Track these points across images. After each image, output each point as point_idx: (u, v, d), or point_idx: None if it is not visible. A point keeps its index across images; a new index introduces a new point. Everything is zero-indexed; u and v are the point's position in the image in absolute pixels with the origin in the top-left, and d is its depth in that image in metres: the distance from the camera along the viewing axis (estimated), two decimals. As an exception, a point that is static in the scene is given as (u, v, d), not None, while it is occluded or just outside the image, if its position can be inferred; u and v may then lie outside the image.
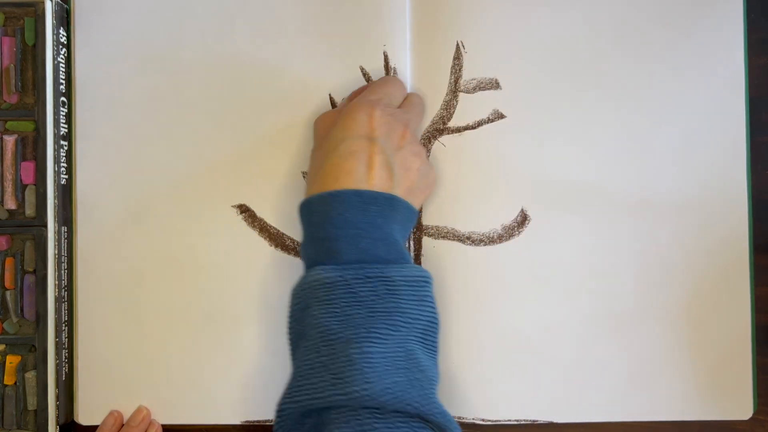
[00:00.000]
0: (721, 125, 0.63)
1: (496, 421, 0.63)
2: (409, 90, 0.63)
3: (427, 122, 0.63)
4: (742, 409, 0.63)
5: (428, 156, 0.63)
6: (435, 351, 0.55)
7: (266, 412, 0.63)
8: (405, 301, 0.52)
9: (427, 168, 0.59)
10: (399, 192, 0.55)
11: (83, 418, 0.64)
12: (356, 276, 0.52)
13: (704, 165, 0.63)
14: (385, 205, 0.54)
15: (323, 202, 0.54)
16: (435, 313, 0.55)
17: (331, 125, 0.58)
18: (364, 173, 0.54)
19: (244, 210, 0.63)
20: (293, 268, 0.63)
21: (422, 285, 0.54)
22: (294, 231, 0.63)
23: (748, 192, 0.63)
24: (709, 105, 0.63)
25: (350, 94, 0.63)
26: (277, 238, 0.63)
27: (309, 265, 0.55)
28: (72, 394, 0.64)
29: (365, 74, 0.63)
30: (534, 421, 0.63)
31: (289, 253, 0.63)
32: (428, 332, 0.54)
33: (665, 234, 0.63)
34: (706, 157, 0.63)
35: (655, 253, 0.63)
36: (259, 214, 0.63)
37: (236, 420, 0.64)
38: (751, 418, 0.63)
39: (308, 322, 0.53)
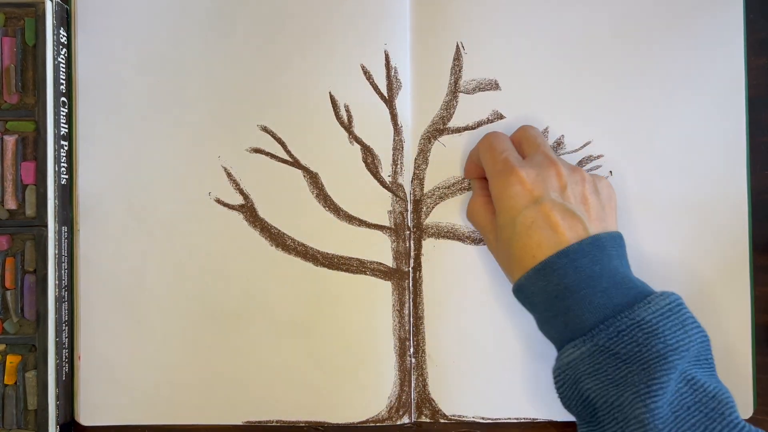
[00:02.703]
0: (720, 125, 0.63)
1: (495, 419, 0.63)
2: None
3: (427, 122, 0.63)
4: (742, 408, 0.63)
5: (422, 159, 0.63)
6: (713, 366, 0.53)
7: (267, 413, 0.63)
8: (671, 336, 0.50)
9: (598, 184, 0.57)
10: (593, 227, 0.54)
11: (83, 418, 0.64)
12: (609, 336, 0.50)
13: (704, 165, 0.63)
14: (592, 250, 0.52)
15: (535, 280, 0.53)
16: (702, 330, 0.52)
17: (487, 212, 0.57)
18: (553, 235, 0.52)
19: (245, 210, 0.63)
20: (294, 267, 0.63)
21: (678, 309, 0.51)
22: (294, 231, 0.63)
23: (747, 192, 0.63)
24: (709, 105, 0.63)
25: (464, 170, 0.63)
26: (277, 238, 0.63)
27: (558, 345, 0.54)
28: (72, 394, 0.64)
29: (366, 72, 0.63)
30: (533, 419, 0.63)
31: (289, 253, 0.63)
32: (702, 352, 0.52)
33: (664, 233, 0.63)
34: (705, 157, 0.63)
35: (654, 253, 0.63)
36: (261, 213, 0.63)
37: (237, 420, 0.63)
38: (750, 418, 0.63)
39: (587, 395, 0.51)
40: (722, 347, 0.63)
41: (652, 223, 0.63)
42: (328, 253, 0.63)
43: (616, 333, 0.50)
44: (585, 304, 0.51)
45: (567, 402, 0.53)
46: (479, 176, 0.61)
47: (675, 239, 0.63)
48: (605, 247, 0.53)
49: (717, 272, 0.63)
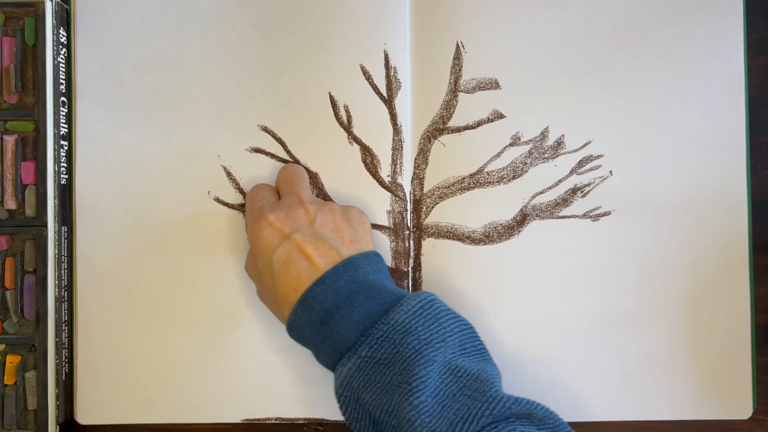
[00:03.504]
0: (721, 125, 0.63)
1: (496, 420, 0.63)
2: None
3: (427, 122, 0.63)
4: (742, 408, 0.63)
5: (422, 159, 0.64)
6: (483, 352, 0.54)
7: (266, 411, 0.63)
8: (424, 331, 0.51)
9: (348, 212, 0.59)
10: (348, 251, 0.55)
11: (83, 417, 0.64)
12: (369, 346, 0.52)
13: (704, 165, 0.63)
14: (347, 272, 0.54)
15: (300, 313, 0.54)
16: (460, 320, 0.54)
17: (254, 264, 0.58)
18: (308, 266, 0.54)
19: (245, 209, 0.63)
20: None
21: (430, 306, 0.53)
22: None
23: (747, 192, 0.63)
24: (709, 105, 0.63)
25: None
26: (277, 238, 0.63)
27: (333, 369, 0.55)
28: (72, 394, 0.64)
29: (365, 72, 0.63)
30: (534, 420, 0.63)
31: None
32: (465, 341, 0.53)
33: (665, 234, 0.63)
34: (706, 157, 0.63)
35: (654, 253, 0.63)
36: (260, 213, 0.63)
37: (236, 419, 0.64)
38: (750, 418, 0.63)
39: (369, 410, 0.52)
40: (722, 347, 0.63)
41: (652, 222, 0.63)
42: (328, 253, 0.63)
43: (376, 341, 0.52)
44: (345, 321, 0.52)
45: (356, 425, 0.54)
46: None
47: (675, 239, 0.63)
48: (359, 266, 0.54)
49: (717, 272, 0.63)
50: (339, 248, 0.55)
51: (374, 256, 0.56)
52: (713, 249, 0.63)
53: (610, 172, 0.63)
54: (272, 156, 0.64)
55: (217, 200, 0.63)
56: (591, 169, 0.63)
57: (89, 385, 0.64)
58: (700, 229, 0.63)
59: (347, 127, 0.63)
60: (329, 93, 0.63)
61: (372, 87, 0.63)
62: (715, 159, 0.63)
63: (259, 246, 0.56)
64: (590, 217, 0.63)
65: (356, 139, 0.63)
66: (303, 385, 0.63)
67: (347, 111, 0.63)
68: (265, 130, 0.64)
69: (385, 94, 0.63)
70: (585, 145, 0.63)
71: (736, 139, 0.63)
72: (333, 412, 0.64)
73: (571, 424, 0.62)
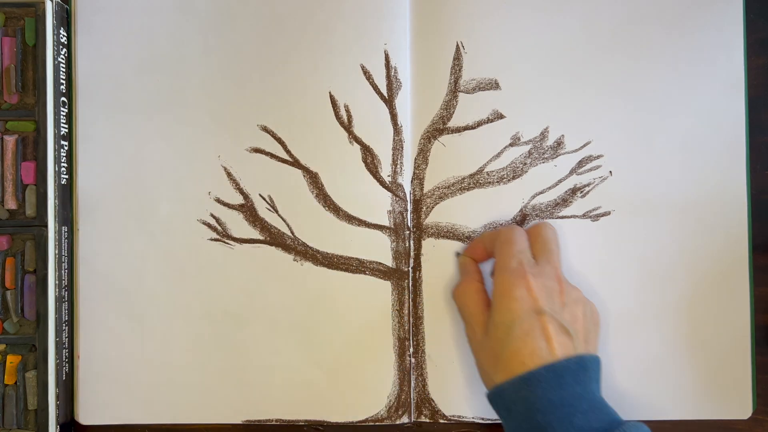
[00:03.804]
0: (720, 125, 0.63)
1: (495, 420, 0.63)
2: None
3: (427, 122, 0.63)
4: (742, 408, 0.63)
5: (422, 159, 0.64)
6: None
7: (267, 412, 0.63)
8: None
9: (590, 307, 0.58)
10: (580, 347, 0.55)
11: (83, 417, 0.64)
12: None
13: (704, 165, 0.63)
14: (578, 370, 0.53)
15: (519, 388, 0.53)
16: None
17: (481, 303, 0.58)
18: (545, 348, 0.53)
19: (245, 209, 0.63)
20: (293, 267, 0.63)
21: None
22: (294, 231, 0.63)
23: (747, 192, 0.63)
24: (709, 105, 0.63)
25: (468, 246, 0.63)
26: (277, 237, 0.63)
27: None
28: (73, 394, 0.64)
29: (366, 72, 0.63)
30: (534, 420, 0.63)
31: (289, 253, 0.63)
32: None
33: (664, 234, 0.63)
34: (705, 157, 0.63)
35: (654, 253, 0.63)
36: (260, 213, 0.63)
37: (237, 419, 0.64)
38: (750, 418, 0.63)
39: None
40: (722, 347, 0.63)
41: (652, 222, 0.63)
42: (327, 253, 0.63)
43: None
44: (566, 423, 0.51)
45: None
46: (481, 260, 0.62)
47: (675, 239, 0.63)
48: (588, 369, 0.53)
49: (717, 272, 0.63)
50: (576, 343, 0.54)
51: (598, 363, 0.56)
52: (713, 249, 0.63)
53: (610, 172, 0.63)
54: (272, 156, 0.64)
55: (218, 201, 0.63)
56: (591, 170, 0.63)
57: (90, 386, 0.64)
58: (699, 229, 0.63)
59: (347, 127, 0.63)
60: (329, 93, 0.63)
61: (372, 87, 0.63)
62: (714, 159, 0.63)
63: (507, 303, 0.55)
64: (590, 217, 0.63)
65: (356, 139, 0.63)
66: (304, 387, 0.63)
67: (347, 111, 0.63)
68: (265, 130, 0.64)
69: (385, 94, 0.63)
70: (585, 146, 0.63)
71: (736, 139, 0.63)
72: (333, 414, 0.63)
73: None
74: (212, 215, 0.63)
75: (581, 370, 0.53)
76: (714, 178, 0.63)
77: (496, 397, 0.55)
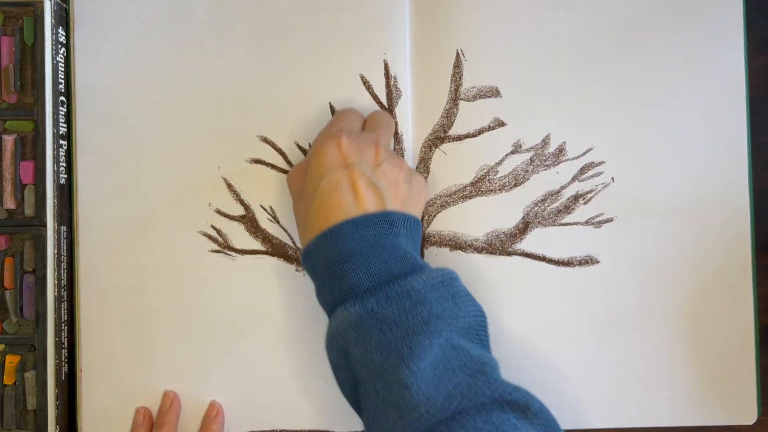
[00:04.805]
0: (721, 125, 0.63)
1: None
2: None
3: (428, 131, 0.63)
4: (747, 413, 0.63)
5: (423, 168, 0.63)
6: (486, 343, 0.54)
7: (271, 422, 0.63)
8: (437, 305, 0.51)
9: (413, 176, 0.58)
10: (393, 207, 0.54)
11: (87, 428, 0.63)
12: (378, 301, 0.50)
13: (705, 166, 0.63)
14: (382, 224, 0.53)
15: (322, 244, 0.53)
16: (476, 306, 0.53)
17: (304, 173, 0.57)
18: (352, 201, 0.53)
19: (246, 220, 0.63)
20: (295, 277, 0.63)
21: (450, 282, 0.53)
22: (296, 241, 0.63)
23: (749, 192, 0.63)
24: (710, 105, 0.63)
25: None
26: (279, 248, 0.63)
27: (330, 311, 0.54)
28: (75, 406, 0.64)
29: (365, 82, 0.63)
30: (535, 424, 0.63)
31: (291, 263, 0.63)
32: (473, 327, 0.53)
33: (667, 237, 0.63)
34: (707, 158, 0.63)
35: (657, 257, 0.63)
36: (262, 224, 0.63)
37: (240, 430, 0.63)
38: (755, 423, 0.63)
39: (354, 366, 0.51)
40: (725, 349, 0.63)
41: (654, 223, 0.63)
42: (330, 261, 0.63)
43: (386, 298, 0.50)
44: (362, 269, 0.51)
45: (337, 375, 0.53)
46: None
47: (677, 241, 0.63)
48: (395, 224, 0.53)
49: (719, 273, 0.63)
50: (387, 201, 0.54)
51: (415, 223, 0.56)
52: (716, 250, 0.63)
53: (612, 178, 0.63)
54: (273, 167, 0.63)
55: (218, 212, 0.63)
56: (593, 176, 0.63)
57: (93, 396, 0.63)
58: (702, 230, 0.63)
59: (348, 137, 0.63)
60: (329, 103, 0.63)
61: (372, 96, 0.63)
62: (716, 160, 0.63)
63: (317, 159, 0.55)
64: (593, 224, 0.63)
65: (358, 149, 0.63)
66: (308, 396, 0.63)
67: (348, 121, 0.63)
68: (266, 140, 0.63)
69: (385, 104, 0.63)
70: (586, 152, 0.63)
71: (738, 139, 0.63)
72: (338, 424, 0.63)
73: (575, 431, 0.62)
74: (213, 227, 0.63)
75: (386, 224, 0.53)
76: (716, 180, 0.63)
77: (305, 259, 0.55)
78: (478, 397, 0.48)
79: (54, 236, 0.61)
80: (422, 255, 0.63)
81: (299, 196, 0.57)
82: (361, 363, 0.50)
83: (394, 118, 0.63)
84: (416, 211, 0.58)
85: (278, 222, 0.63)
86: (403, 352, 0.49)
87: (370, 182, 0.54)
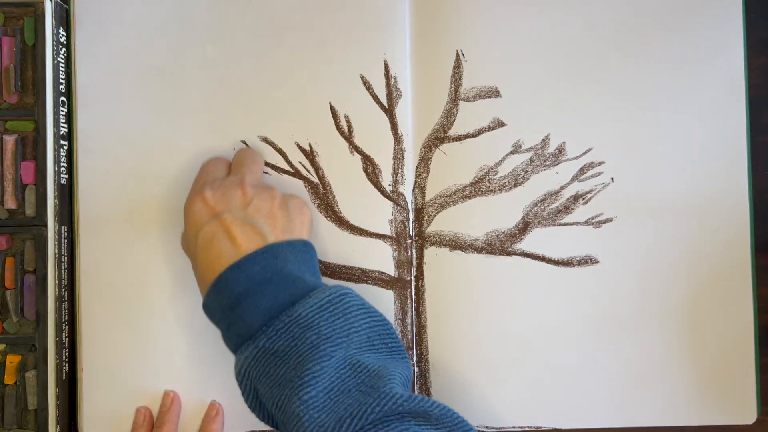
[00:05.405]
0: (721, 126, 0.63)
1: (500, 428, 0.63)
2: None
3: (428, 131, 0.63)
4: (746, 412, 0.63)
5: (423, 168, 0.63)
6: (394, 349, 0.54)
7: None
8: (326, 326, 0.51)
9: (289, 201, 0.58)
10: (275, 238, 0.54)
11: (88, 429, 0.63)
12: (268, 337, 0.51)
13: (705, 166, 0.63)
14: (265, 258, 0.53)
15: (214, 296, 0.53)
16: (372, 315, 0.53)
17: (186, 240, 0.58)
18: (230, 247, 0.53)
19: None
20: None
21: (339, 300, 0.53)
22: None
23: (749, 192, 0.63)
24: (709, 105, 0.63)
25: None
26: (278, 248, 0.63)
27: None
28: (76, 407, 0.64)
29: (365, 82, 0.63)
30: (538, 427, 0.63)
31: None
32: (373, 337, 0.53)
33: (667, 237, 0.63)
34: (706, 158, 0.63)
35: (656, 256, 0.63)
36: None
37: (241, 429, 0.64)
38: (755, 422, 0.63)
39: (263, 403, 0.52)
40: (725, 349, 0.63)
41: (654, 224, 0.63)
42: (329, 263, 0.63)
43: (275, 332, 0.51)
44: (252, 309, 0.52)
45: (257, 413, 0.54)
46: None
47: (677, 241, 0.63)
48: (279, 254, 0.53)
49: (719, 273, 0.63)
50: (267, 235, 0.54)
51: (302, 246, 0.56)
52: (715, 250, 0.63)
53: (612, 178, 0.63)
54: (273, 167, 0.63)
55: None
56: (592, 176, 0.63)
57: (94, 396, 0.63)
58: (701, 230, 0.63)
59: (348, 137, 0.63)
60: (330, 103, 0.63)
61: (372, 97, 0.63)
62: (716, 160, 0.63)
63: (189, 220, 0.56)
64: (592, 224, 0.63)
65: (357, 149, 0.63)
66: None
67: (348, 121, 0.63)
68: (266, 141, 0.63)
69: (385, 104, 0.63)
70: (586, 152, 0.63)
71: (737, 139, 0.63)
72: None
73: (575, 430, 0.62)
74: None
75: (270, 257, 0.53)
76: (715, 180, 0.63)
77: (207, 313, 0.55)
78: (368, 415, 0.48)
79: (55, 236, 0.61)
80: (421, 256, 0.63)
81: (192, 258, 0.57)
82: (267, 398, 0.51)
83: (394, 118, 0.63)
84: (302, 234, 0.58)
85: None
86: (294, 383, 0.49)
87: (244, 223, 0.54)
